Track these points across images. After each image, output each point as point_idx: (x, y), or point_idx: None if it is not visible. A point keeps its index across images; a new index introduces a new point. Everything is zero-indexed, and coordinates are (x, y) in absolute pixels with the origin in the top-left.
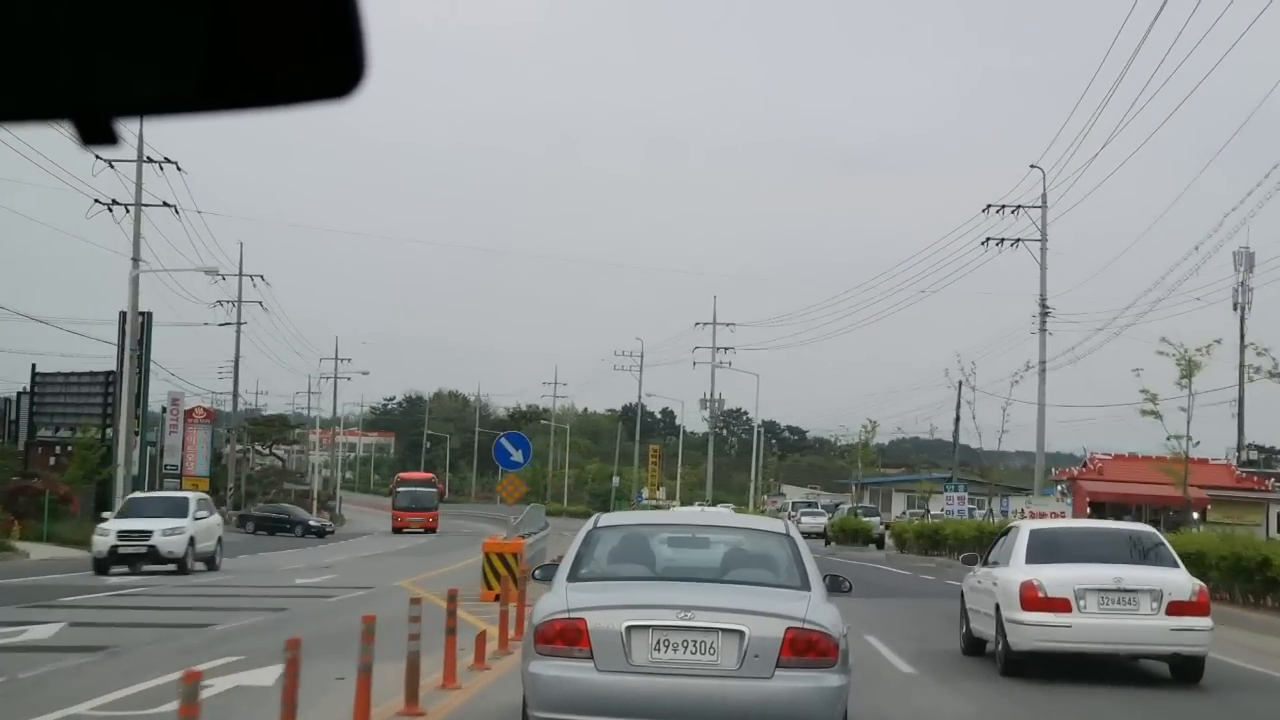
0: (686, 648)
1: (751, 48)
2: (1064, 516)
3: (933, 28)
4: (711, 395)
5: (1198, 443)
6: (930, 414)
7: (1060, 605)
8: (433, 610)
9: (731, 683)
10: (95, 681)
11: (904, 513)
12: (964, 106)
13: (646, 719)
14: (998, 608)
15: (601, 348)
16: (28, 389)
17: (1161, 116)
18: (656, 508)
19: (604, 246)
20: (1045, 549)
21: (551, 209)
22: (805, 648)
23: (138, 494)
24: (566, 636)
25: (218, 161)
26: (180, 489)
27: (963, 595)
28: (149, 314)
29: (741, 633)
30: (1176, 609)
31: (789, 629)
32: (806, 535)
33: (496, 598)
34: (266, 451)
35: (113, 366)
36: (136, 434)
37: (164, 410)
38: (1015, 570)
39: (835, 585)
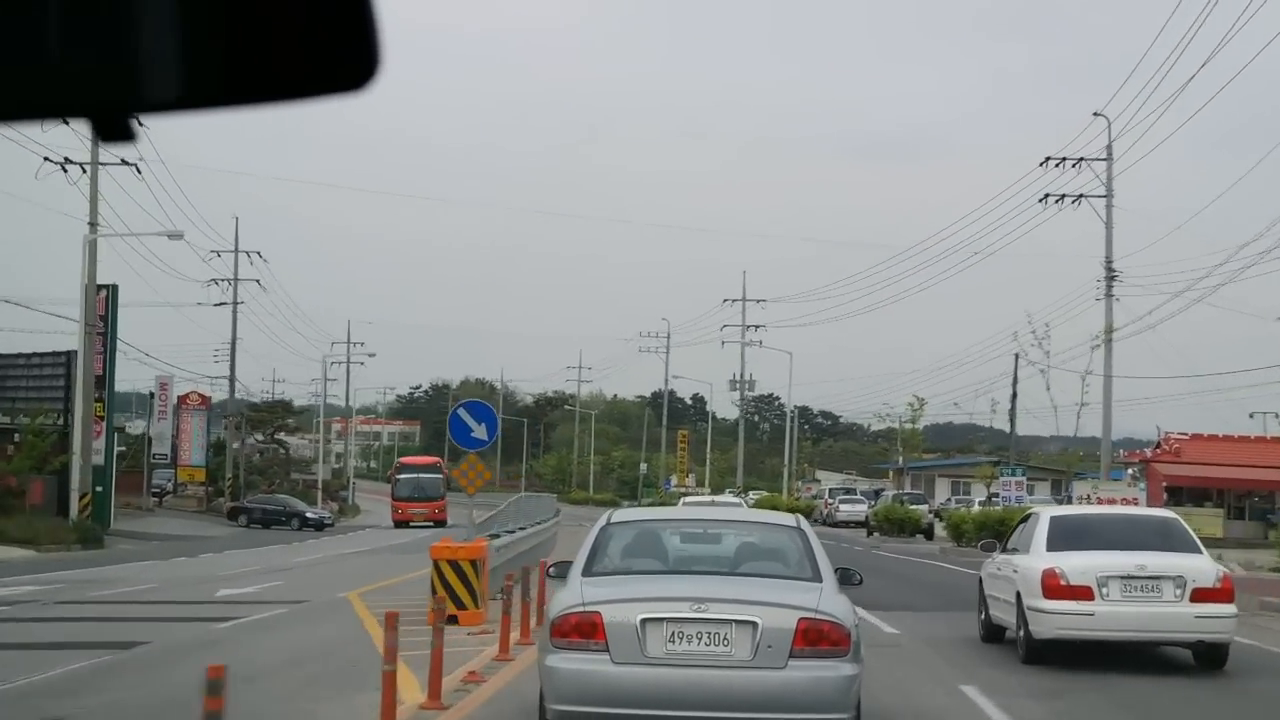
0: (701, 639)
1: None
2: (1137, 504)
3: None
4: (741, 376)
5: None
6: (984, 391)
7: (1083, 593)
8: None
9: (745, 673)
10: None
11: (949, 500)
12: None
13: (662, 710)
14: (1019, 595)
15: (627, 331)
16: None
17: (1248, 55)
18: (685, 495)
19: (629, 231)
20: (1066, 536)
21: (574, 198)
22: (817, 638)
23: None
24: (582, 630)
25: (220, 148)
26: (175, 480)
27: (981, 582)
28: (114, 286)
29: (755, 624)
30: (1201, 596)
31: (801, 620)
32: (844, 524)
33: (450, 619)
34: (268, 439)
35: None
36: (101, 419)
37: (152, 396)
38: (1036, 558)
39: (846, 578)
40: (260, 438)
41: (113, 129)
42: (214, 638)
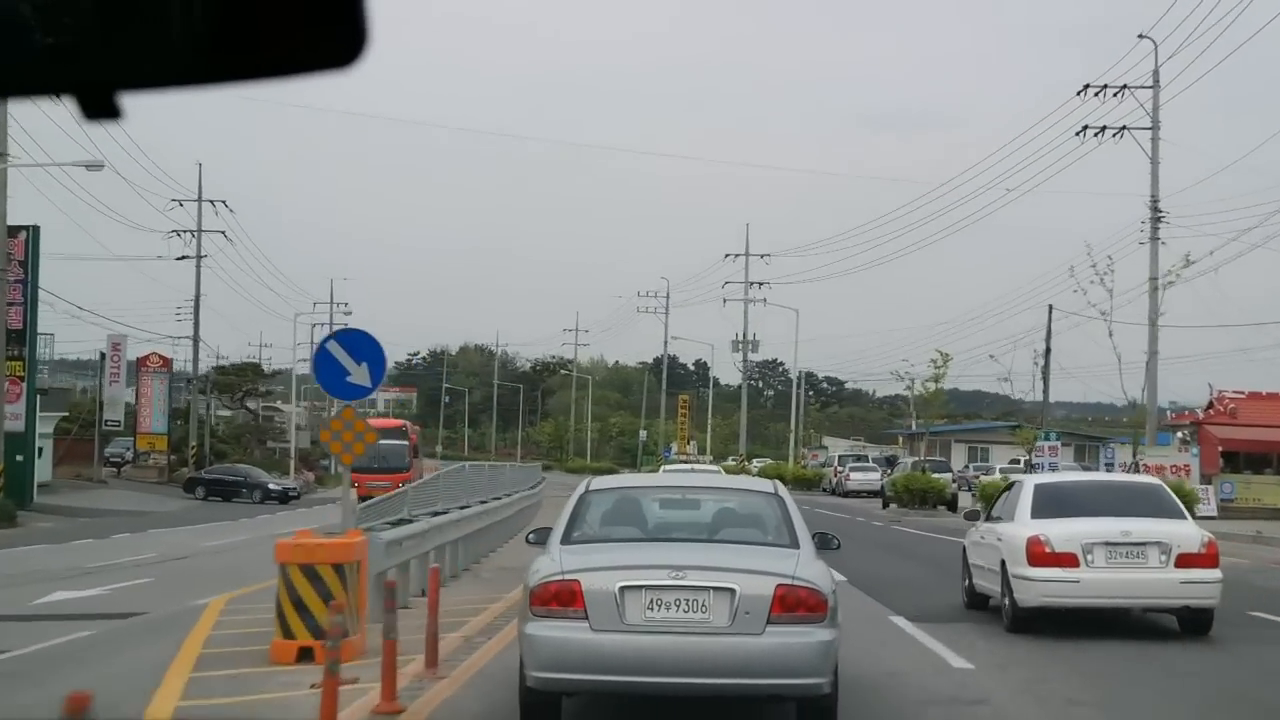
0: (679, 606)
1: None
2: (1188, 471)
3: None
4: (744, 335)
5: None
6: (1006, 350)
7: (1068, 560)
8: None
9: (724, 639)
10: None
11: (966, 467)
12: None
13: (641, 676)
14: (1003, 563)
15: (626, 291)
16: None
17: None
18: (688, 463)
19: (626, 191)
20: (1051, 503)
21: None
22: (795, 604)
23: None
24: (561, 598)
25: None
26: (134, 448)
27: (964, 550)
28: (34, 228)
29: (733, 590)
30: (1185, 561)
31: (779, 586)
32: (856, 494)
33: (301, 654)
34: (236, 404)
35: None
36: (21, 379)
37: (103, 357)
38: (1021, 525)
39: (824, 543)
40: (228, 402)
41: (99, 106)
42: None
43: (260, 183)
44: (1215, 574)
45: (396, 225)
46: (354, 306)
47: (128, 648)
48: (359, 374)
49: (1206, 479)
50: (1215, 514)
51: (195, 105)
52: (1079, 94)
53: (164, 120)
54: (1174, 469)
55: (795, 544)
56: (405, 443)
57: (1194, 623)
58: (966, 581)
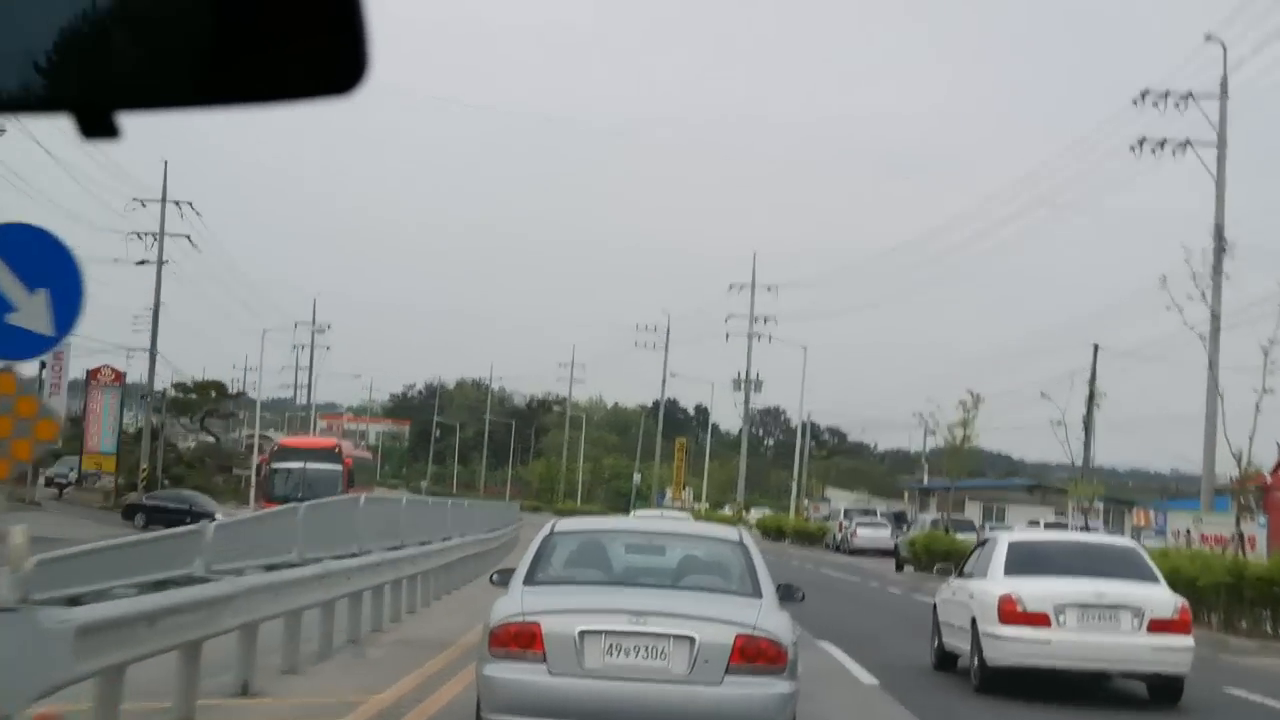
0: (638, 652)
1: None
2: (1253, 543)
3: None
4: (747, 372)
5: None
6: (1041, 389)
7: (1039, 619)
8: None
9: (681, 688)
10: None
11: (983, 526)
12: None
13: None
14: (974, 621)
15: (626, 323)
16: None
17: None
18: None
19: (627, 227)
20: (1024, 561)
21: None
22: (755, 654)
23: None
24: (520, 640)
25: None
26: (80, 468)
27: (935, 608)
28: None
29: (692, 639)
30: (1158, 626)
31: (739, 636)
32: (863, 552)
33: None
34: (195, 426)
35: None
36: None
37: (43, 367)
38: (993, 583)
39: (788, 594)
40: (187, 424)
41: (97, 126)
42: None
43: (233, 190)
44: (1187, 641)
45: (385, 249)
46: (339, 331)
47: None
48: (30, 309)
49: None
50: None
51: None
52: (1136, 102)
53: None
54: (1234, 538)
55: (758, 593)
56: (337, 467)
57: (1164, 691)
58: (936, 641)
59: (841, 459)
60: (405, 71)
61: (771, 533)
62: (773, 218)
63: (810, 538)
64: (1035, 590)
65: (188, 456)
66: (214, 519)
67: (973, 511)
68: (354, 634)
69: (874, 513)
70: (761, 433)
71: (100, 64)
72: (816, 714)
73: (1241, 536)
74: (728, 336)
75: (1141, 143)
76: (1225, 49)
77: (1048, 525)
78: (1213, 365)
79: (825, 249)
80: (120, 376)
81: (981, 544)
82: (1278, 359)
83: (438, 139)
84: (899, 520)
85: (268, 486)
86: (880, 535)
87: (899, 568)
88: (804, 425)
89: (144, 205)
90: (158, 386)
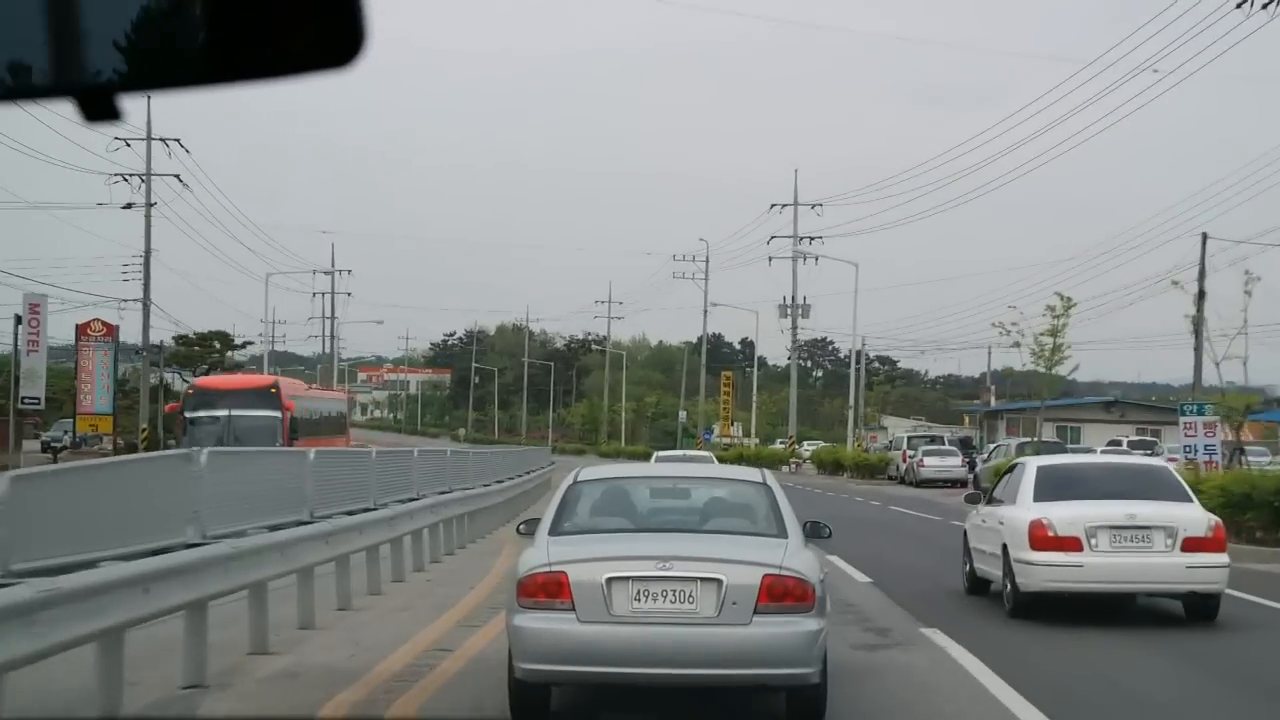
0: (666, 597)
1: None
2: None
3: None
4: (794, 296)
5: None
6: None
7: (1071, 544)
8: None
9: (710, 629)
10: None
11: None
12: None
13: (628, 668)
14: (1004, 547)
15: (663, 253)
16: None
17: None
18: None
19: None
20: (1054, 486)
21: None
22: (782, 594)
23: None
24: (548, 589)
25: None
26: (74, 431)
27: (965, 534)
28: None
29: (719, 581)
30: (1192, 545)
31: (766, 576)
32: (931, 483)
33: None
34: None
35: None
36: None
37: (18, 321)
38: (1023, 509)
39: (815, 531)
40: (189, 378)
41: (99, 108)
42: None
43: (236, 130)
44: (1223, 559)
45: (409, 189)
46: (363, 278)
47: None
48: None
49: None
50: None
51: None
52: None
53: None
54: None
55: (784, 533)
56: (273, 414)
57: (1200, 609)
58: (967, 567)
59: (890, 387)
60: (431, 24)
61: (828, 466)
62: (813, 138)
63: (871, 470)
64: (1065, 514)
65: None
66: None
67: (1046, 433)
68: (306, 618)
69: (940, 440)
70: (810, 364)
71: (100, 48)
72: None
73: None
74: (770, 260)
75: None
76: None
77: (1131, 444)
78: None
79: (870, 164)
80: (112, 330)
81: (1010, 469)
82: None
83: (462, 80)
84: (964, 446)
85: (187, 432)
86: (950, 464)
87: (979, 501)
88: (859, 350)
89: (128, 145)
90: (159, 340)
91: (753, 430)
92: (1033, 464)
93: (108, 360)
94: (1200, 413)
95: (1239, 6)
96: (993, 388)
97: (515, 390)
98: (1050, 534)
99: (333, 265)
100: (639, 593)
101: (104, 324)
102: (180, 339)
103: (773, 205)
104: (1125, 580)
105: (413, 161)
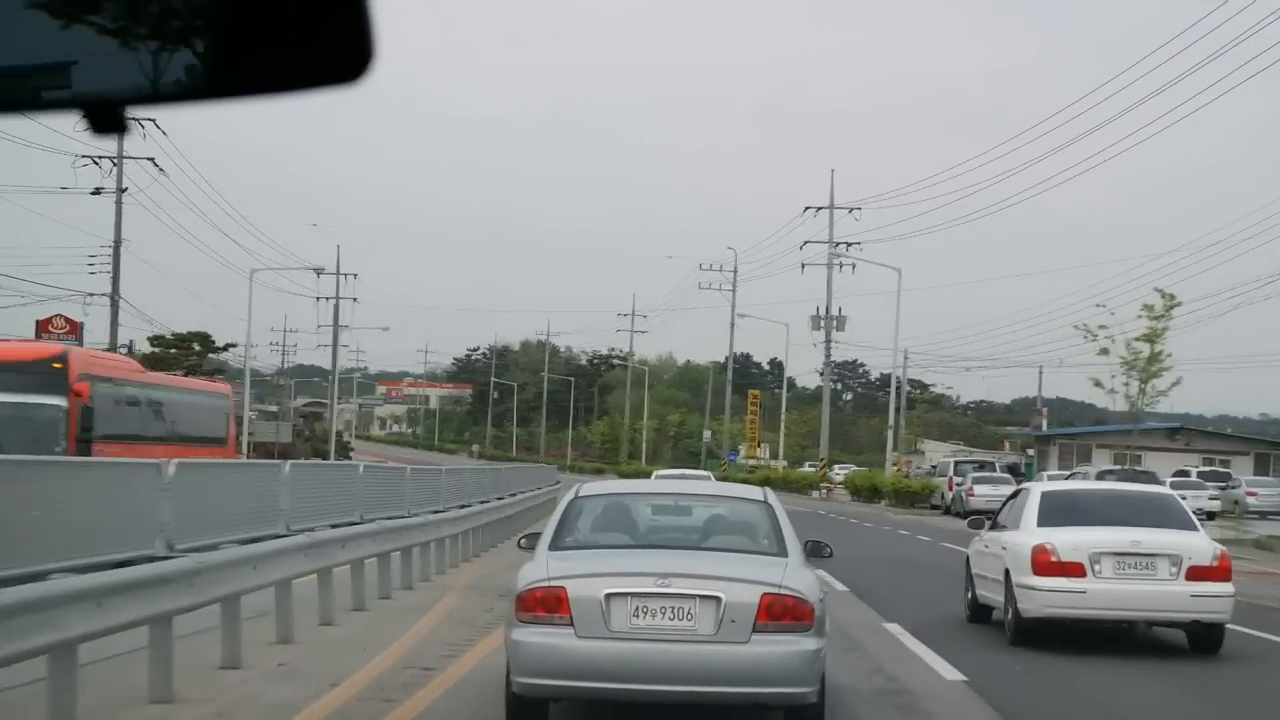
0: (664, 614)
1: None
2: None
3: None
4: (828, 304)
5: None
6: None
7: (1074, 569)
8: None
9: (708, 647)
10: None
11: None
12: None
13: (626, 684)
14: (1007, 573)
15: (689, 259)
16: None
17: None
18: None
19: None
20: (1058, 511)
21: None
22: (781, 612)
23: None
24: (547, 604)
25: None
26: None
27: (968, 560)
28: None
29: (718, 599)
30: (1197, 574)
31: (765, 594)
32: (980, 514)
33: None
34: None
35: None
36: None
37: None
38: (1026, 533)
39: (816, 550)
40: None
41: (106, 121)
42: None
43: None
44: (1228, 588)
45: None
46: (366, 279)
47: None
48: None
49: None
50: None
51: None
52: None
53: None
54: None
55: (784, 552)
56: (55, 402)
57: (1204, 639)
58: (969, 594)
59: (931, 406)
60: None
61: (863, 493)
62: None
63: (912, 497)
64: (1069, 540)
65: None
66: None
67: (1102, 460)
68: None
69: (990, 466)
70: (840, 386)
71: (109, 62)
72: None
73: None
74: (804, 267)
75: None
76: None
77: (1201, 475)
78: None
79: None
80: (76, 327)
81: (1014, 495)
82: None
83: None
84: (1013, 472)
85: None
86: (1003, 492)
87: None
88: (902, 363)
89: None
90: (128, 340)
91: (780, 451)
92: (1037, 489)
93: None
94: None
95: None
96: (1044, 410)
97: (536, 406)
98: (1053, 559)
99: (338, 268)
100: (638, 609)
101: (67, 320)
102: (156, 339)
103: (806, 208)
104: (1128, 607)
105: (406, 205)
